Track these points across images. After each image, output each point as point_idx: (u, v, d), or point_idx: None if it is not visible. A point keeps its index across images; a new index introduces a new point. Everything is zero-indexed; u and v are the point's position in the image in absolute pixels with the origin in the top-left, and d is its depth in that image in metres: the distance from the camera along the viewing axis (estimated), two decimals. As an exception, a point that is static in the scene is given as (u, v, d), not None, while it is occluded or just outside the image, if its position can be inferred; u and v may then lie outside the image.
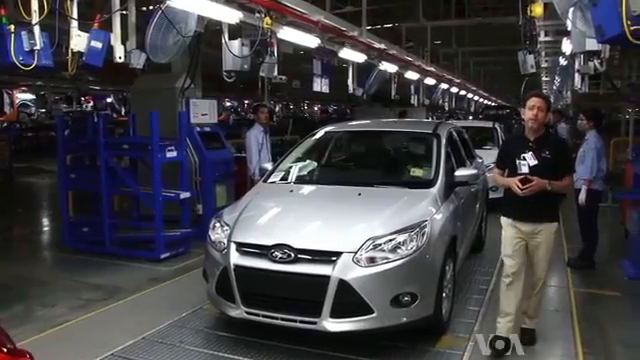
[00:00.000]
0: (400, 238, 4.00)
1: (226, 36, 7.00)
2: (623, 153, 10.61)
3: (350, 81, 11.78)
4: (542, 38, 10.21)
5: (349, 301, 3.82)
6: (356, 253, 3.90)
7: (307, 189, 5.26)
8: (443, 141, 5.42)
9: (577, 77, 7.68)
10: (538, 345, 4.28)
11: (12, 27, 4.41)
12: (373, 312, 3.84)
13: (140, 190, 6.98)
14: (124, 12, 5.69)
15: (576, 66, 7.55)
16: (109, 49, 5.33)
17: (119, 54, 5.58)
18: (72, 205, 7.56)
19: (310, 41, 8.66)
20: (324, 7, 10.04)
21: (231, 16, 6.63)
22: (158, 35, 5.98)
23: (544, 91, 30.11)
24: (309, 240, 4.08)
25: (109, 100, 31.53)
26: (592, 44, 5.73)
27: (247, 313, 4.08)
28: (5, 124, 23.95)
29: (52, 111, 26.65)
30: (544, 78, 23.53)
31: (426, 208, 4.45)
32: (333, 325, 3.85)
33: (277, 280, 3.99)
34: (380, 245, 3.96)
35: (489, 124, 11.30)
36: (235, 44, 7.03)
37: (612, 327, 4.75)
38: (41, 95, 28.30)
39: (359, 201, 4.64)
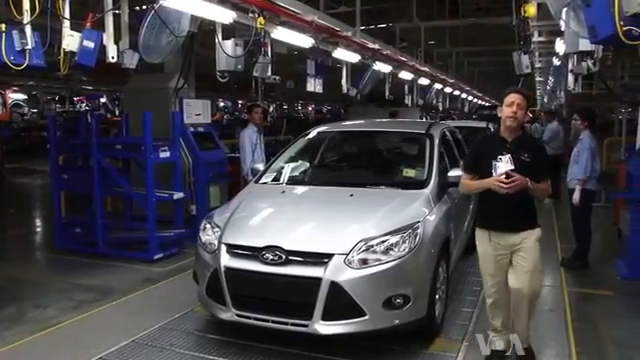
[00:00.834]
0: (392, 239, 3.97)
1: (219, 36, 6.98)
2: (616, 153, 10.68)
3: (344, 81, 11.72)
4: (535, 38, 10.21)
5: (341, 303, 3.79)
6: (348, 255, 3.86)
7: (299, 190, 5.22)
8: (436, 141, 5.40)
9: (570, 77, 7.69)
10: (532, 345, 4.27)
11: (3, 26, 4.39)
12: (365, 314, 3.81)
13: (133, 191, 6.95)
14: (117, 12, 5.66)
15: (569, 66, 7.55)
16: (102, 49, 5.31)
17: (112, 54, 5.56)
18: (65, 206, 7.53)
19: (304, 41, 8.64)
20: (318, 7, 10.04)
21: (224, 16, 6.60)
22: (151, 35, 5.94)
23: (538, 91, 30.23)
24: (300, 242, 4.05)
25: (103, 100, 31.41)
26: (585, 44, 5.76)
27: (238, 315, 4.05)
28: (-2, 124, 23.84)
29: (44, 111, 26.52)
30: (538, 78, 23.59)
31: (419, 209, 4.43)
32: (325, 328, 3.82)
33: (268, 282, 3.96)
34: (372, 247, 3.93)
35: (482, 124, 11.30)
36: (229, 44, 6.99)
37: (606, 326, 4.76)
38: (33, 95, 28.16)
39: (351, 202, 4.61)
